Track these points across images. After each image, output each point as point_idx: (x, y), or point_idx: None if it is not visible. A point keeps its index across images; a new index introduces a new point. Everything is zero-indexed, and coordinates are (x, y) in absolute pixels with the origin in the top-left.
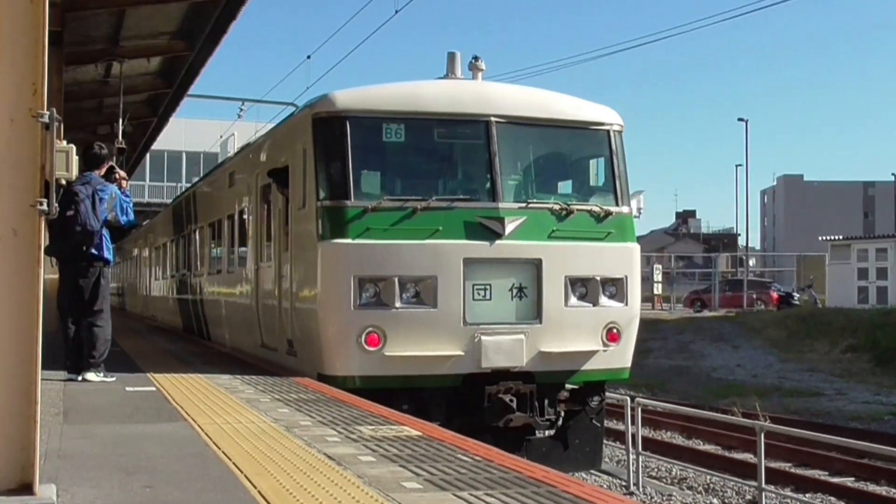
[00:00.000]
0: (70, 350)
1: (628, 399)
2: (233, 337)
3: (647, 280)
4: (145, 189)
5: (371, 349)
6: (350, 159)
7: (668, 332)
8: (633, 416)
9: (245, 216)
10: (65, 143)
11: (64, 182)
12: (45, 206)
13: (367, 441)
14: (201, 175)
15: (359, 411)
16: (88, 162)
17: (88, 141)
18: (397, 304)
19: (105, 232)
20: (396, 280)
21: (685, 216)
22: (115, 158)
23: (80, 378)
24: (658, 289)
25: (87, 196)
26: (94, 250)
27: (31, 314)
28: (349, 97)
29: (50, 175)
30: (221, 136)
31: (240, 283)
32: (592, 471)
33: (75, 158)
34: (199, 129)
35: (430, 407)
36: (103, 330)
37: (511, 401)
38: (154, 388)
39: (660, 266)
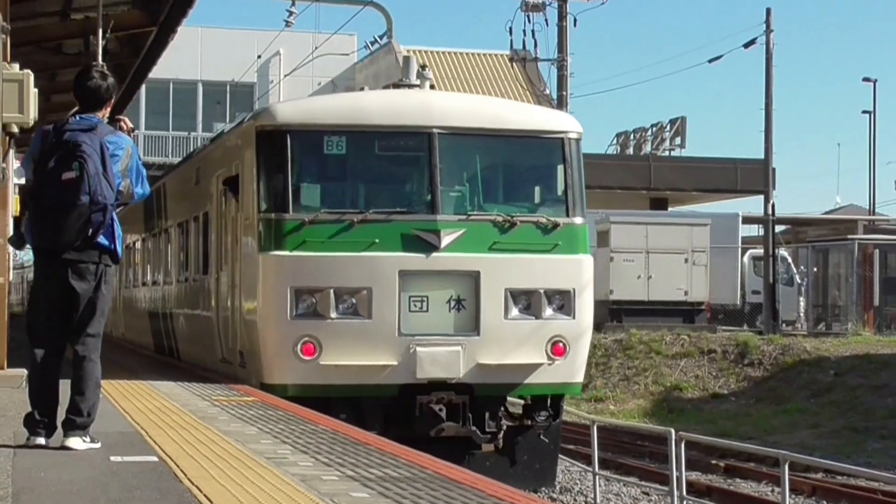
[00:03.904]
0: (40, 395)
1: None
2: (197, 353)
3: None
4: (139, 140)
5: (307, 358)
6: (290, 172)
7: None
8: None
9: (208, 220)
10: (16, 67)
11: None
12: None
13: None
14: (229, 120)
15: (479, 496)
16: (85, 97)
17: (49, 65)
18: (333, 315)
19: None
20: (332, 291)
21: None
22: None
23: (51, 444)
24: None
25: (95, 150)
26: (102, 238)
27: None
28: (291, 110)
29: None
30: (259, 57)
31: (202, 294)
32: None
33: (33, 91)
34: (224, 46)
35: (367, 417)
36: (96, 367)
37: (440, 410)
38: (155, 458)
39: None
